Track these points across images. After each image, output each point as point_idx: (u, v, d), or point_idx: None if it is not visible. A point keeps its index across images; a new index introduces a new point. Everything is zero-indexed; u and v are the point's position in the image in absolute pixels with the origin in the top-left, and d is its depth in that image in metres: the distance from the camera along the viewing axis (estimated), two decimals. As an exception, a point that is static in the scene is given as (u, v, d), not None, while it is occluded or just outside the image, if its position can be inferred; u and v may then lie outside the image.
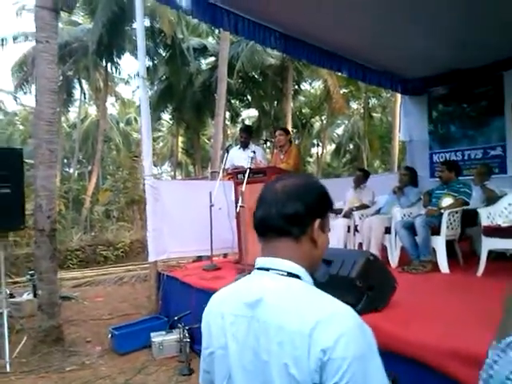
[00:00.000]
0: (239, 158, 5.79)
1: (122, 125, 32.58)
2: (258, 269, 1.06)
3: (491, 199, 4.78)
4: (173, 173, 33.40)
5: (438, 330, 2.49)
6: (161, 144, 34.00)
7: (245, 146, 6.01)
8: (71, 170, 27.10)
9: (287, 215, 1.02)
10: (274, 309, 0.96)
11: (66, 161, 29.29)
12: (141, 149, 17.48)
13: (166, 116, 26.47)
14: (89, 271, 9.69)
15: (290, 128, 17.86)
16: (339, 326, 0.88)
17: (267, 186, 1.11)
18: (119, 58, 20.19)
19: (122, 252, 11.35)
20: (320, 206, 1.08)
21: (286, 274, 1.01)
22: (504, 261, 4.56)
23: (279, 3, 5.32)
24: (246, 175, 4.68)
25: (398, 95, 16.48)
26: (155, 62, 19.88)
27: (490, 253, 4.25)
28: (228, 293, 1.12)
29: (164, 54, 19.67)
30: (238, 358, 1.00)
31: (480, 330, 2.48)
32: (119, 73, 22.77)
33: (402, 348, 2.36)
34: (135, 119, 31.97)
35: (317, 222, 1.05)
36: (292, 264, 1.02)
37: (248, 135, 6.22)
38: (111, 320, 5.78)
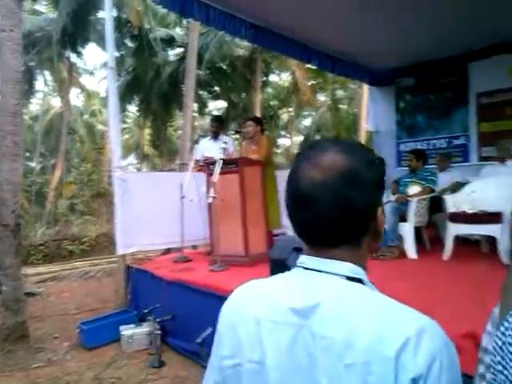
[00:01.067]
0: (210, 148, 5.72)
1: (86, 116, 31.81)
2: (305, 268, 0.82)
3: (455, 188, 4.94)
4: (139, 165, 32.91)
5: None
6: (126, 136, 33.39)
7: (215, 136, 5.94)
8: (33, 164, 26.31)
9: (339, 219, 0.76)
10: (337, 320, 0.72)
11: (28, 154, 28.41)
12: (106, 141, 17.24)
13: (132, 108, 26.03)
14: (53, 266, 9.45)
15: (258, 119, 17.82)
16: (430, 346, 0.67)
17: (298, 171, 0.80)
18: (83, 48, 19.68)
19: (87, 246, 11.14)
20: (380, 190, 0.83)
21: (345, 277, 0.78)
22: (468, 245, 4.74)
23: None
24: (219, 166, 4.63)
25: (365, 87, 16.70)
26: (122, 53, 19.48)
27: (456, 238, 4.40)
28: (260, 292, 0.87)
29: (131, 45, 19.29)
30: (279, 377, 0.77)
31: (450, 312, 2.56)
32: (84, 63, 22.25)
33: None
34: (100, 111, 31.26)
35: (380, 210, 0.81)
36: (352, 266, 0.79)
37: (219, 125, 6.15)
38: (78, 315, 5.65)
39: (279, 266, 3.33)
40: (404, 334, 0.67)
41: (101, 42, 18.97)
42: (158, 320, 4.14)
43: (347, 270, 0.78)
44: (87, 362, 4.09)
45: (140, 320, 4.59)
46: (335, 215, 0.75)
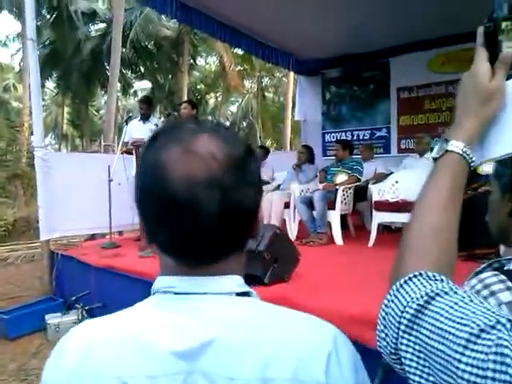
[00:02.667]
0: (139, 131, 5.54)
1: (-2, 92, 29.58)
2: (177, 293, 0.61)
3: (379, 178, 5.23)
4: (57, 146, 31.26)
5: (338, 297, 2.70)
6: (44, 114, 31.49)
7: (145, 118, 5.78)
8: None
9: (232, 223, 0.59)
10: (243, 354, 0.56)
11: None
12: (23, 118, 16.12)
13: (49, 84, 24.57)
14: (-35, 252, 8.78)
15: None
16: (348, 353, 0.60)
17: (167, 162, 0.57)
18: (-5, 16, 18.21)
19: (4, 231, 10.41)
20: (260, 183, 0.67)
21: (234, 294, 0.62)
22: (390, 233, 5.07)
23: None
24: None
25: (291, 77, 16.99)
26: (38, 24, 18.23)
27: (379, 226, 4.68)
28: (116, 336, 0.61)
29: (49, 17, 18.11)
30: None
31: (372, 295, 2.74)
32: (-5, 33, 20.60)
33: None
34: (15, 86, 29.17)
35: (260, 211, 0.65)
36: (239, 279, 0.64)
37: (148, 107, 5.98)
38: (-2, 304, 5.33)
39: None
40: (324, 350, 0.57)
41: (15, 10, 17.68)
42: (86, 308, 4.03)
43: (236, 286, 0.63)
44: (10, 353, 3.89)
45: (67, 308, 4.43)
46: (224, 221, 0.57)
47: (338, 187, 4.95)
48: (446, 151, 0.69)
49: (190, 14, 6.04)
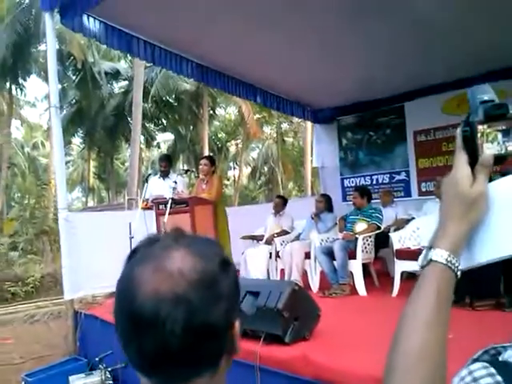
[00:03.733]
0: (159, 187, 5.70)
1: (27, 149, 30.73)
2: None
3: (400, 225, 5.18)
4: (84, 199, 31.99)
5: (361, 357, 2.62)
6: (71, 169, 32.51)
7: (165, 175, 5.93)
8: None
9: (198, 343, 0.56)
10: None
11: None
12: (49, 175, 16.67)
13: (76, 140, 25.47)
14: (-6, 310, 8.92)
15: (206, 152, 17.97)
16: None
17: (137, 279, 0.57)
18: (24, 80, 19.19)
19: (31, 287, 10.57)
20: (236, 297, 0.65)
21: None
22: (415, 280, 4.91)
23: (193, 36, 5.45)
24: (168, 206, 4.63)
25: (309, 122, 17.21)
26: (64, 85, 19.15)
27: (403, 273, 4.58)
28: None
29: (74, 78, 19.02)
30: None
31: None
32: (24, 95, 21.63)
33: (331, 378, 2.46)
34: (42, 143, 30.33)
35: (236, 325, 0.63)
36: None
37: (168, 164, 6.16)
38: (23, 364, 5.34)
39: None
40: None
41: (43, 73, 18.60)
42: (109, 369, 4.01)
43: None
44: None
45: (90, 369, 4.42)
46: (190, 340, 0.56)
47: (357, 236, 4.90)
48: (431, 260, 0.67)
49: (206, 72, 6.31)
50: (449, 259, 0.66)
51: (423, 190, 7.27)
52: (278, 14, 4.90)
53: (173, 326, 0.54)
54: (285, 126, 26.67)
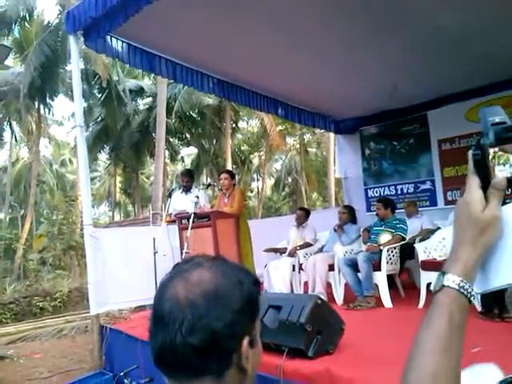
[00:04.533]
0: (182, 202, 5.76)
1: (55, 166, 31.51)
2: None
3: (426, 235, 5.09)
4: (111, 213, 32.51)
5: (386, 371, 2.56)
6: (97, 184, 33.15)
7: (187, 190, 5.99)
8: (2, 216, 25.66)
9: (199, 344, 0.64)
10: None
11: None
12: (77, 191, 17.04)
13: (102, 156, 25.98)
14: (24, 325, 9.09)
15: (229, 164, 18.09)
16: None
17: (165, 285, 0.70)
18: (52, 99, 19.75)
19: (59, 302, 10.77)
20: (248, 315, 0.70)
21: None
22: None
23: (214, 53, 5.54)
24: (191, 220, 4.66)
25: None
26: (90, 103, 19.63)
27: (429, 285, 4.49)
28: None
29: (99, 96, 19.48)
30: None
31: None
32: (52, 114, 22.22)
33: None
34: (70, 160, 31.07)
35: (245, 342, 0.68)
36: None
37: (190, 179, 6.21)
38: (51, 379, 5.44)
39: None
40: None
41: (69, 93, 19.09)
42: (134, 383, 4.03)
43: None
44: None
45: (116, 383, 4.45)
46: (193, 340, 0.64)
47: (382, 247, 4.84)
48: (443, 286, 0.66)
49: (227, 88, 6.38)
50: (461, 284, 0.65)
51: (449, 199, 7.14)
52: (302, 30, 4.94)
53: (180, 325, 0.65)
54: (307, 136, 26.63)
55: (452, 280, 0.66)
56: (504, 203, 0.68)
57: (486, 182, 0.67)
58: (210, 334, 0.64)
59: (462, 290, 0.65)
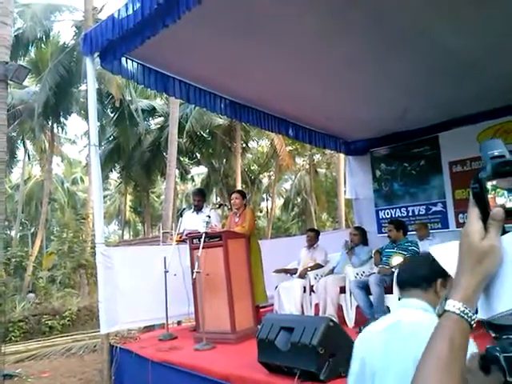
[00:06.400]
0: (193, 221, 5.77)
1: (67, 184, 31.82)
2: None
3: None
4: (120, 232, 32.64)
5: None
6: (108, 203, 33.37)
7: (198, 209, 6.01)
8: (13, 233, 25.86)
9: (420, 276, 1.56)
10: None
11: (6, 223, 27.97)
12: (87, 210, 17.13)
13: (113, 175, 26.20)
14: (33, 343, 9.07)
15: (239, 184, 18.15)
16: None
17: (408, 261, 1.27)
18: (66, 118, 20.08)
19: (68, 321, 10.73)
20: (438, 271, 1.46)
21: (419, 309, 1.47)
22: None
23: (227, 76, 5.64)
24: (202, 240, 4.67)
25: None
26: (103, 123, 19.89)
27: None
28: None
29: (112, 116, 19.74)
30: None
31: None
32: (65, 133, 22.55)
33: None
34: (81, 179, 31.36)
35: (439, 281, 1.54)
36: (422, 303, 1.48)
37: (201, 198, 6.25)
38: (59, 398, 5.41)
39: (267, 346, 3.31)
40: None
41: (82, 112, 19.40)
42: (143, 405, 4.00)
43: (420, 305, 1.48)
44: None
45: (124, 405, 4.42)
46: (413, 275, 1.60)
47: (394, 270, 4.80)
48: (445, 311, 0.72)
49: (239, 109, 6.45)
50: (462, 309, 0.70)
51: (461, 221, 7.08)
52: (313, 53, 5.00)
53: (410, 271, 1.72)
54: (317, 157, 26.68)
55: (453, 305, 0.71)
56: (504, 232, 0.71)
57: (485, 213, 0.71)
58: (424, 273, 1.57)
59: (462, 315, 0.70)
